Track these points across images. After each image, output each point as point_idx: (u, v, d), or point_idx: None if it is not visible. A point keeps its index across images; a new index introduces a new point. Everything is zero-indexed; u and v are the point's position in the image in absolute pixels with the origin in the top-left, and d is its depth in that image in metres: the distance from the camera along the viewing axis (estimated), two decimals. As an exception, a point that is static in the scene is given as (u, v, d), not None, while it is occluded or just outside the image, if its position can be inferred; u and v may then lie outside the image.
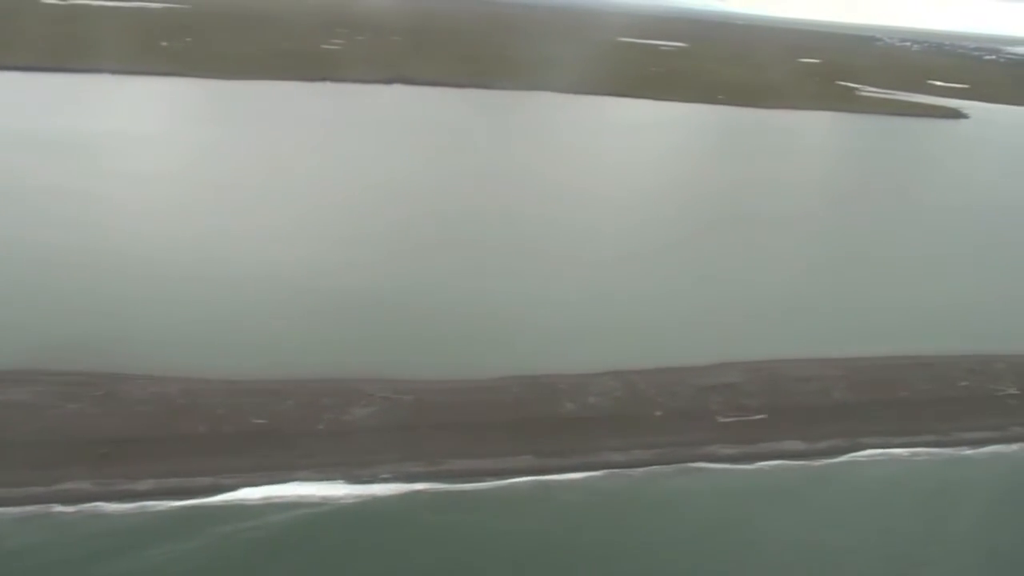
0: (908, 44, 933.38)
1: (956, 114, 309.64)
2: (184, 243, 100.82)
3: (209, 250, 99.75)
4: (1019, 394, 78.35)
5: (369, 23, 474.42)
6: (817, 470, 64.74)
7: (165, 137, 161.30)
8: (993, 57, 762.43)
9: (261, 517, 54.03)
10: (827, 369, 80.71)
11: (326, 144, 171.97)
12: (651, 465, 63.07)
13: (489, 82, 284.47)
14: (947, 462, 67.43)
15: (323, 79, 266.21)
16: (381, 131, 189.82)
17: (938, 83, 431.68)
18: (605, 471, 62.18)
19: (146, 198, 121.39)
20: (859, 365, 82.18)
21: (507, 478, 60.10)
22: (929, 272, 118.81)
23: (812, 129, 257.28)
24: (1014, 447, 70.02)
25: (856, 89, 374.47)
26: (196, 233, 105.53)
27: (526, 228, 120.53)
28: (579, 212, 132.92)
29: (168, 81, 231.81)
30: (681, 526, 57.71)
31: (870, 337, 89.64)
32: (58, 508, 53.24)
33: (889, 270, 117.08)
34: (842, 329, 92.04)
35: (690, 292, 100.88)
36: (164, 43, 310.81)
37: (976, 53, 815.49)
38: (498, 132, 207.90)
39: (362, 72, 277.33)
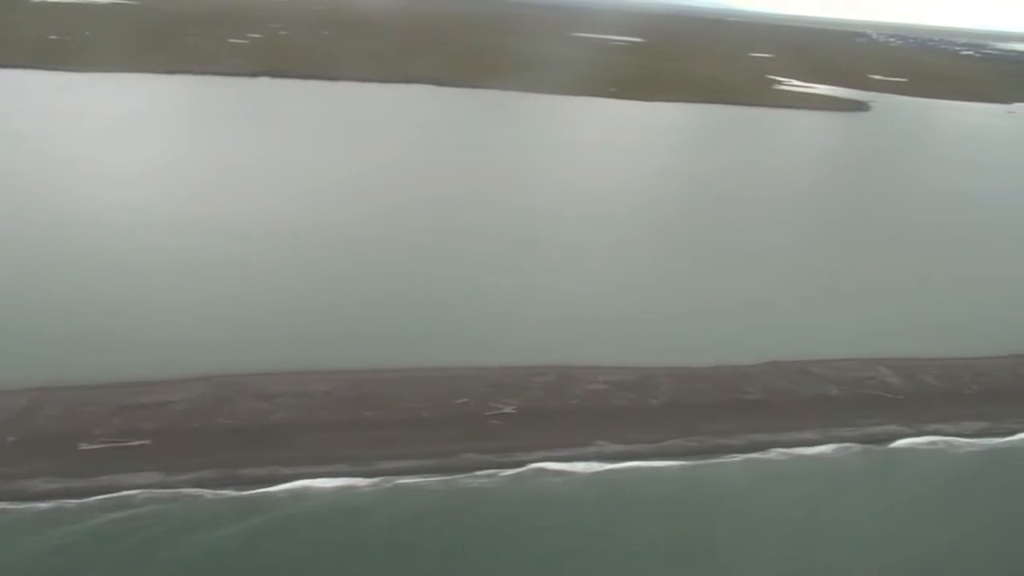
0: (892, 40, 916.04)
1: (860, 106, 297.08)
2: None
3: None
4: (513, 413, 66.17)
5: (312, 19, 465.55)
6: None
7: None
8: (970, 52, 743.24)
9: None
10: (335, 384, 68.99)
11: (142, 135, 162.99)
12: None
13: (366, 76, 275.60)
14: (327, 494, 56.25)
15: (185, 72, 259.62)
16: (224, 123, 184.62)
17: (877, 77, 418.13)
18: None
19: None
20: (379, 379, 70.06)
21: None
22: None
23: (693, 122, 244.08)
24: (433, 480, 58.27)
25: (779, 83, 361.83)
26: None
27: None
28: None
29: (26, 73, 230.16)
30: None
31: (451, 346, 77.88)
32: None
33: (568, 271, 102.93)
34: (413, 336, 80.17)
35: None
36: (53, 36, 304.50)
37: (956, 49, 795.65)
38: (345, 125, 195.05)
39: (234, 66, 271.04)
